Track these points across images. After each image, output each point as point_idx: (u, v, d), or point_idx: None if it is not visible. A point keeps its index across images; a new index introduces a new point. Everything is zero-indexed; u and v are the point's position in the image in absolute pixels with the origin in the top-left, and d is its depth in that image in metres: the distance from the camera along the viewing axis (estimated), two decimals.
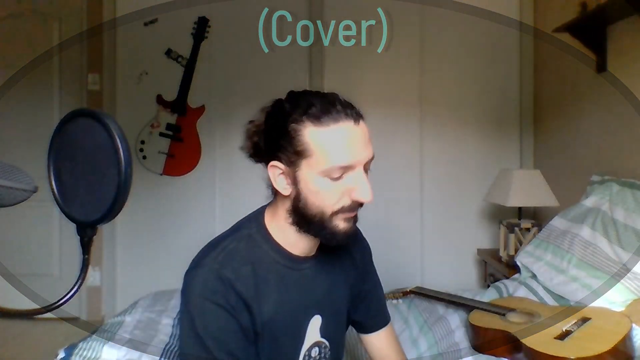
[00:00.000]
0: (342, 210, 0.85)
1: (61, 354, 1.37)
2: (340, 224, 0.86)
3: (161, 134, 3.06)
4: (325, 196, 0.84)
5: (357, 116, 0.84)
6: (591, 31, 2.25)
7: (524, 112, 3.02)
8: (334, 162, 0.81)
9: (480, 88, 3.03)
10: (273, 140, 0.86)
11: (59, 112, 3.10)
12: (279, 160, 0.86)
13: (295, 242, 0.92)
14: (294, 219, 0.88)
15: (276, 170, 0.87)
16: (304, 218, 0.86)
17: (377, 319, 1.11)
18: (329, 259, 0.99)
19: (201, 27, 3.04)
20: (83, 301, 3.10)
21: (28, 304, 3.07)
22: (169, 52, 3.05)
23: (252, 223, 0.94)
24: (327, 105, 0.82)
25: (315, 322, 0.95)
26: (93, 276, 3.09)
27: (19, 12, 3.09)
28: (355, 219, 0.89)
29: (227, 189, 3.02)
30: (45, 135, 2.97)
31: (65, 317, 3.08)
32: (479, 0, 3.00)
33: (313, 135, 0.81)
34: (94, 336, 1.45)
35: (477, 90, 3.03)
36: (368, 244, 1.13)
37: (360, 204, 0.86)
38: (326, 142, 0.81)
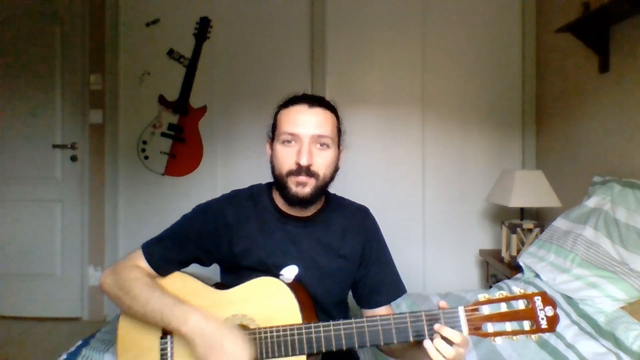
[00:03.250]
0: (291, 172, 1.10)
1: (64, 356, 1.38)
2: (292, 187, 1.10)
3: (163, 134, 3.06)
4: (281, 159, 1.12)
5: (314, 103, 1.12)
6: (594, 31, 2.24)
7: (526, 112, 3.02)
8: (284, 129, 1.11)
9: (483, 88, 3.03)
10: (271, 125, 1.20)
11: (61, 113, 3.11)
12: (271, 137, 1.19)
13: (282, 202, 1.18)
14: (274, 181, 1.17)
15: (267, 144, 1.20)
16: (275, 179, 1.15)
17: (372, 299, 1.23)
18: (321, 229, 1.20)
19: (203, 28, 3.04)
20: (85, 301, 3.11)
21: (28, 304, 3.08)
22: (170, 53, 3.06)
23: (267, 183, 1.27)
24: (294, 97, 1.15)
25: (291, 269, 1.16)
26: (95, 276, 3.10)
27: (21, 12, 3.10)
28: (307, 187, 1.10)
29: (228, 189, 2.99)
30: (47, 135, 3.00)
31: (67, 317, 3.09)
32: (482, 1, 3.01)
33: (279, 115, 1.16)
34: (95, 344, 1.45)
35: (480, 90, 3.03)
36: (378, 241, 1.26)
37: (305, 170, 1.08)
38: (283, 116, 1.14)
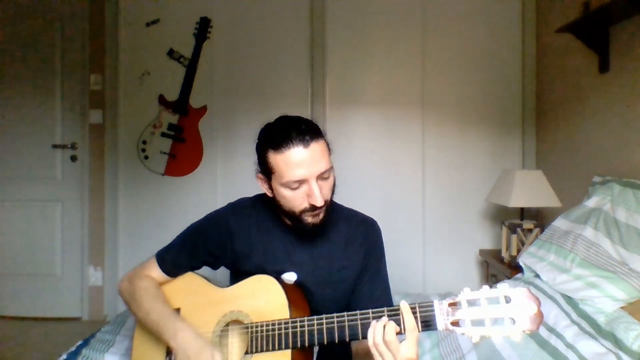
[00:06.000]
0: (306, 210, 1.11)
1: (64, 356, 1.38)
2: (309, 218, 1.12)
3: (163, 134, 3.06)
4: (290, 201, 1.11)
5: (309, 140, 1.06)
6: (594, 31, 2.24)
7: (526, 112, 3.02)
8: (289, 178, 1.06)
9: (483, 88, 3.03)
10: (258, 159, 1.15)
11: (61, 113, 3.11)
12: (262, 172, 1.15)
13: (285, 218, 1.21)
14: (280, 211, 1.18)
15: (259, 180, 1.18)
16: (284, 212, 1.16)
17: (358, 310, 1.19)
18: (322, 240, 1.21)
19: (203, 28, 3.04)
20: (85, 301, 3.11)
21: (28, 304, 3.08)
22: (171, 53, 3.06)
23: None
24: (282, 136, 1.07)
25: (290, 276, 1.19)
26: (95, 276, 3.10)
27: (21, 12, 3.10)
28: (320, 214, 1.13)
29: (228, 190, 3.01)
30: (47, 135, 3.01)
31: (67, 317, 3.09)
32: (482, 0, 3.01)
33: (273, 159, 1.08)
34: (95, 344, 1.45)
35: (480, 90, 3.03)
36: (378, 253, 1.26)
37: (317, 206, 1.09)
38: (282, 164, 1.07)
